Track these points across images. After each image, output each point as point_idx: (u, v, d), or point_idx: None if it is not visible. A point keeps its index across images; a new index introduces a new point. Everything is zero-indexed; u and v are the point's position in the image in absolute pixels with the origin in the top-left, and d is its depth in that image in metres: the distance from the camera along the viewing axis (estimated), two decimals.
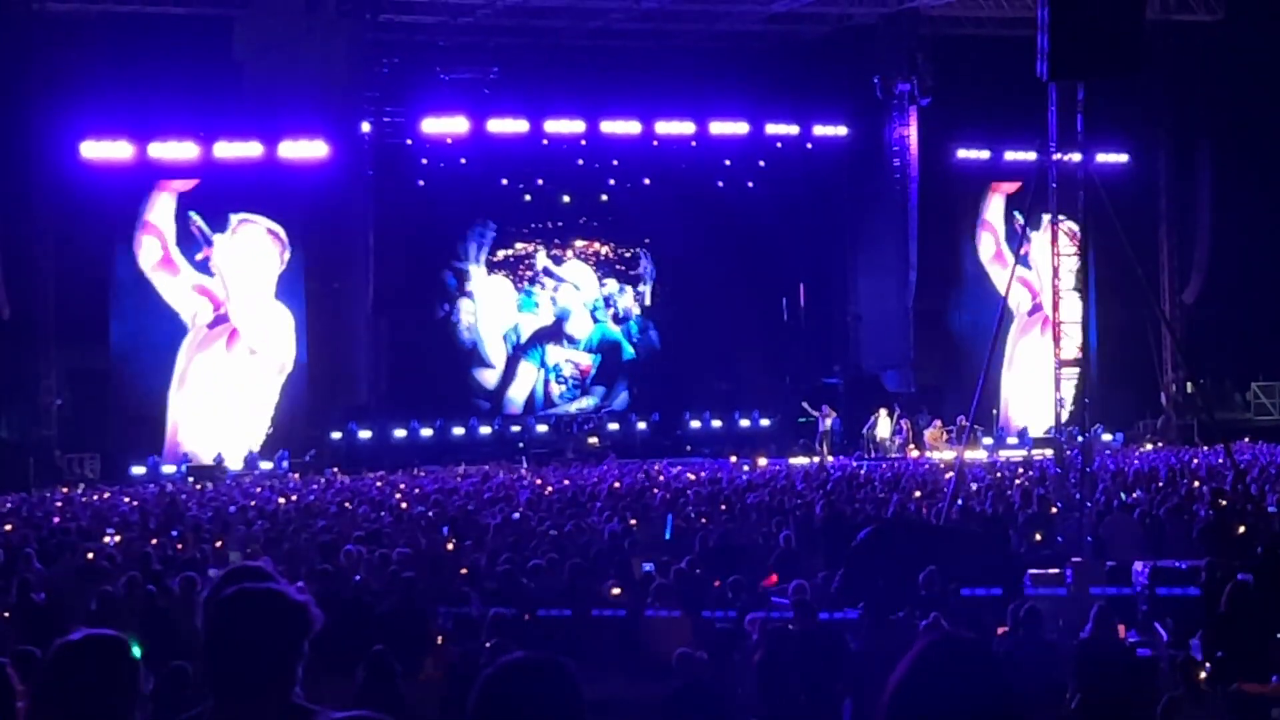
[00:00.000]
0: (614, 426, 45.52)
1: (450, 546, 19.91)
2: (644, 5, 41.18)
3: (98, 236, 40.01)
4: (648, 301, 48.14)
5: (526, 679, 3.76)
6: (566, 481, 31.12)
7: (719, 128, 45.98)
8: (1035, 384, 44.05)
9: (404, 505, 25.82)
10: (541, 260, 46.90)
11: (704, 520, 22.28)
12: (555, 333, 47.09)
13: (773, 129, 46.66)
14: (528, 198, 46.01)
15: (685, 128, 45.74)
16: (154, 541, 20.74)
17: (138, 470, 38.91)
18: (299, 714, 4.35)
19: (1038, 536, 19.72)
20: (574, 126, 44.81)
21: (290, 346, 41.42)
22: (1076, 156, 25.26)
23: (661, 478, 31.28)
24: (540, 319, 46.94)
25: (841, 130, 47.03)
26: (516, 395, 46.38)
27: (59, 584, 16.69)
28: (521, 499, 26.28)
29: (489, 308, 46.26)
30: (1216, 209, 47.91)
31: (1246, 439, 40.14)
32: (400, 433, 42.71)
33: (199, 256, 40.67)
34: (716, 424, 46.52)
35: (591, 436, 44.70)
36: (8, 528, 23.17)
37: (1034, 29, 23.03)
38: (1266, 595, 13.68)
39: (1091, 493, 22.44)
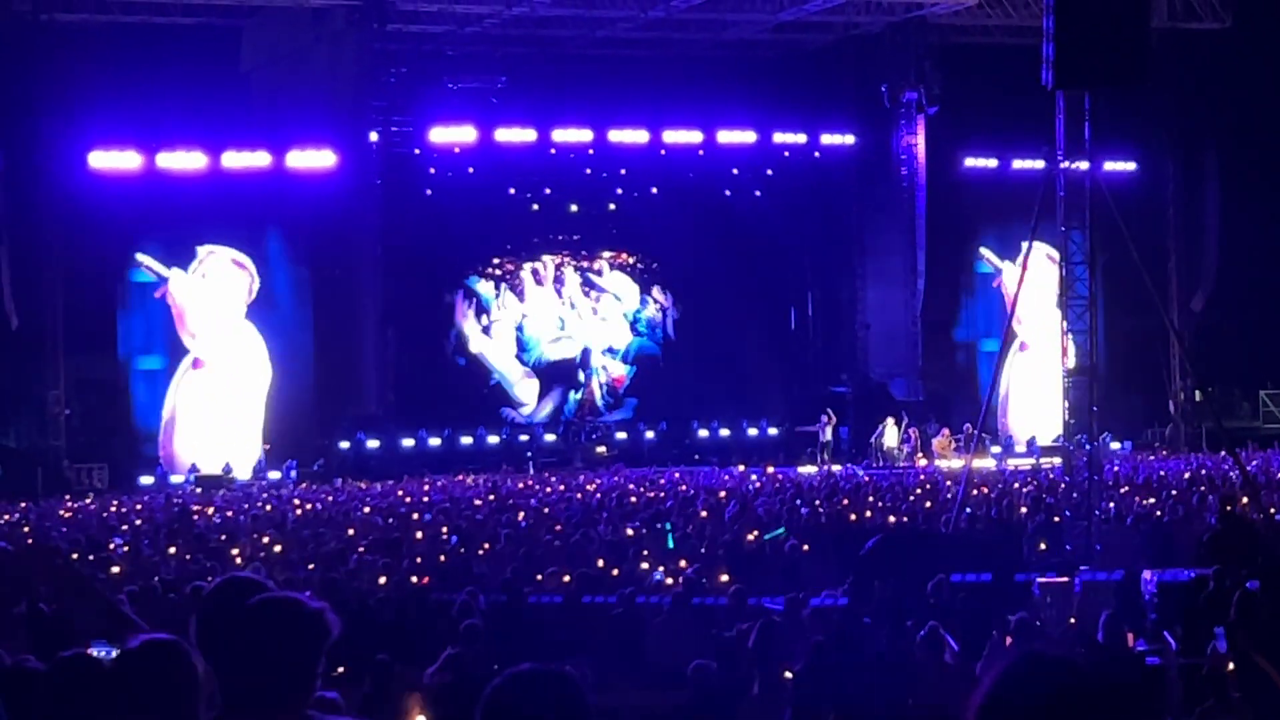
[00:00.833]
0: (622, 435, 45.50)
1: (461, 552, 19.91)
2: (651, 15, 41.18)
3: (106, 246, 40.06)
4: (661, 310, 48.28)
5: (533, 690, 3.75)
6: (575, 489, 31.11)
7: (726, 137, 45.99)
8: (1041, 393, 43.99)
9: (415, 516, 25.83)
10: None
11: (709, 529, 22.27)
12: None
13: (780, 138, 46.66)
14: (535, 207, 46.03)
15: (693, 137, 45.75)
16: (171, 550, 20.73)
17: (145, 480, 38.95)
18: None
19: (1041, 545, 19.71)
20: (582, 136, 44.83)
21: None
22: (1084, 165, 25.23)
23: (683, 486, 31.26)
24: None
25: (849, 139, 47.02)
26: (547, 406, 46.43)
27: (64, 595, 16.66)
28: (530, 508, 26.27)
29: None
30: (1224, 216, 47.83)
31: (1253, 443, 40.07)
32: (408, 442, 42.72)
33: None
34: (724, 433, 46.50)
35: (600, 446, 44.70)
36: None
37: (1041, 37, 23.01)
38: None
39: (1099, 501, 22.41)
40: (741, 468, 39.27)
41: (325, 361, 41.45)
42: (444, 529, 23.32)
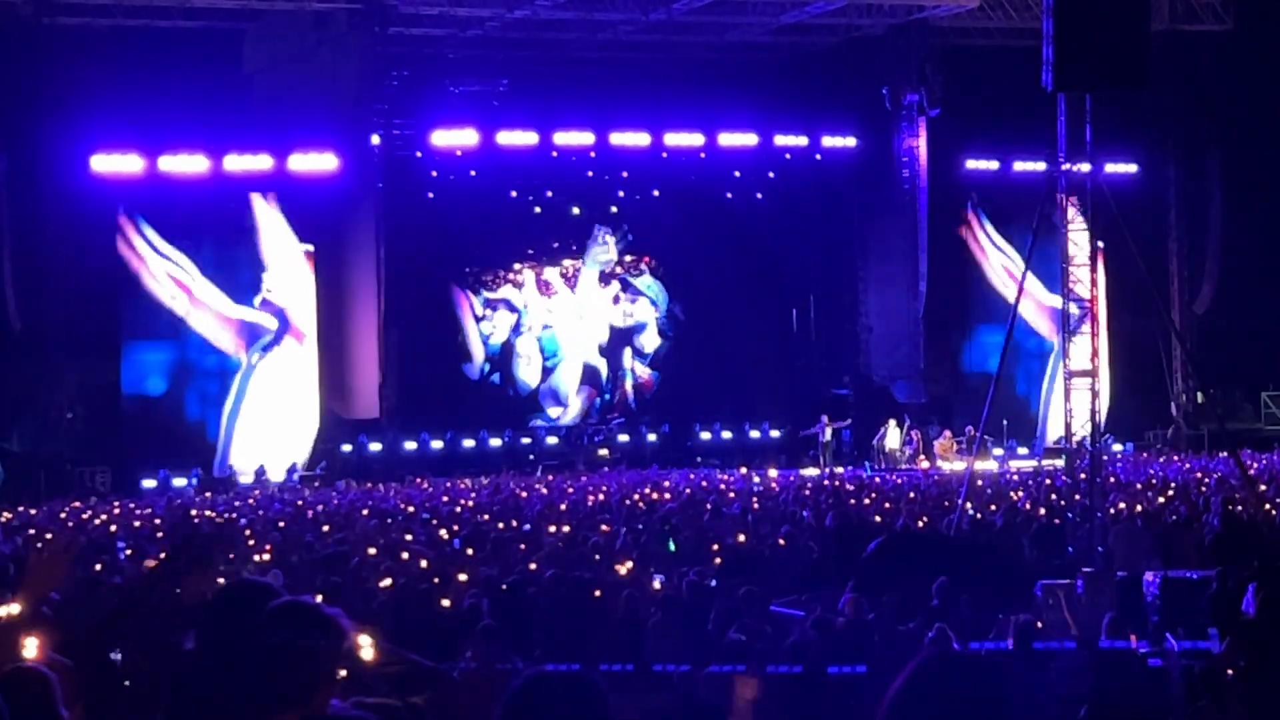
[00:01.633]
0: (624, 438, 45.50)
1: (468, 553, 19.90)
2: (652, 17, 41.18)
3: (109, 250, 40.04)
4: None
5: (554, 693, 3.75)
6: (577, 490, 31.12)
7: (728, 139, 45.97)
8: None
9: (416, 517, 25.82)
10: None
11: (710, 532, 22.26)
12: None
13: (782, 140, 46.64)
14: (537, 210, 46.01)
15: (694, 139, 45.74)
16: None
17: (148, 483, 38.94)
18: None
19: (1044, 547, 19.71)
20: (583, 138, 44.82)
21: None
22: (1086, 167, 25.21)
23: (690, 488, 31.27)
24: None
25: (850, 141, 47.01)
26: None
27: (68, 595, 16.67)
28: (533, 511, 26.27)
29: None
30: (1226, 218, 47.84)
31: (1252, 448, 40.04)
32: (411, 445, 42.72)
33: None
34: (726, 435, 46.49)
35: (602, 448, 44.70)
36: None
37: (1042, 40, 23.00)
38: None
39: (1101, 503, 22.40)
40: (743, 470, 39.27)
41: (327, 363, 41.45)
42: (445, 532, 23.33)
